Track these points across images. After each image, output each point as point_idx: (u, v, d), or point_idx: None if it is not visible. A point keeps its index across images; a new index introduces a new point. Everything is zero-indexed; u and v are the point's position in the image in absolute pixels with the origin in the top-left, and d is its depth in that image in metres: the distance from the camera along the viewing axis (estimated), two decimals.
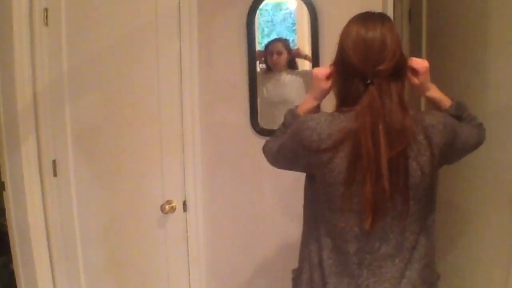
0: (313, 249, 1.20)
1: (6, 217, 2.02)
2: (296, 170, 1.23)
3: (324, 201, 1.14)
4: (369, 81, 1.06)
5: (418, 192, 1.08)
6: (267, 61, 1.76)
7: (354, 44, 1.09)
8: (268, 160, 1.33)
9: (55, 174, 2.03)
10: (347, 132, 1.06)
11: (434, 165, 1.09)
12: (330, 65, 1.18)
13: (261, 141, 1.76)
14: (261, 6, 1.70)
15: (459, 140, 1.15)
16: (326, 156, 1.08)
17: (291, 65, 1.76)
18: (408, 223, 1.10)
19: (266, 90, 1.78)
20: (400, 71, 1.09)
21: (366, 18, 1.12)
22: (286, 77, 1.76)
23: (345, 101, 1.13)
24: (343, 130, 1.07)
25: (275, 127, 1.76)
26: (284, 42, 1.75)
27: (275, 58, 1.74)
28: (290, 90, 1.76)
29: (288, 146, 1.19)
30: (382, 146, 1.02)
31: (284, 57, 1.74)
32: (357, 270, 1.12)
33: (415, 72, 1.18)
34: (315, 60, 1.63)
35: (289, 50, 1.75)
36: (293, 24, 1.74)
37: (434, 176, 1.11)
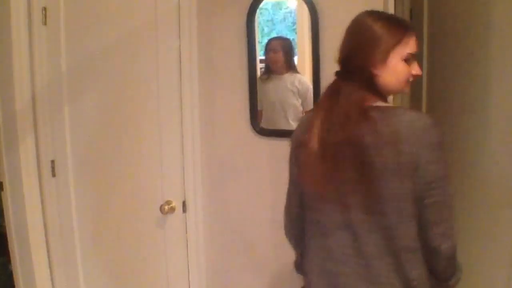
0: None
1: (5, 217, 2.02)
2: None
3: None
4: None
5: (381, 189, 1.04)
6: (266, 61, 1.76)
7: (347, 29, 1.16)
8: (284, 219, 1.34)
9: (53, 174, 2.02)
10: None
11: (402, 166, 1.02)
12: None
13: (261, 141, 1.76)
14: (261, 5, 1.69)
15: (429, 175, 1.03)
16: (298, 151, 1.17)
17: (290, 66, 1.75)
18: (370, 225, 1.07)
19: (266, 91, 1.77)
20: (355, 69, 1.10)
21: (372, 11, 1.15)
22: (286, 80, 1.75)
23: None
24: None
25: (275, 127, 1.77)
26: (282, 41, 1.74)
27: (271, 55, 1.74)
28: (286, 93, 1.75)
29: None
30: (315, 133, 1.10)
31: (280, 55, 1.73)
32: (335, 267, 1.13)
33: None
34: (316, 60, 1.62)
35: (287, 49, 1.74)
36: (293, 23, 1.73)
37: (404, 179, 1.03)
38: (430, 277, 1.13)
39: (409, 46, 1.09)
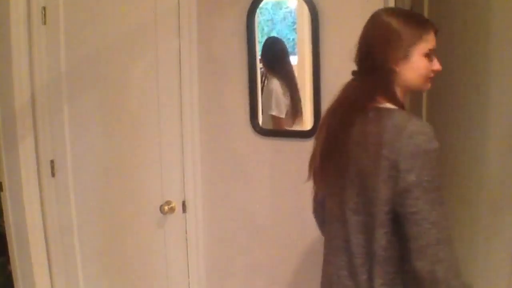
0: None
1: (4, 217, 2.02)
2: None
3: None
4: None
5: (366, 190, 1.04)
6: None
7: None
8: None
9: (53, 174, 2.02)
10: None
11: (382, 171, 1.00)
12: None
13: (261, 141, 1.76)
14: (261, 5, 1.69)
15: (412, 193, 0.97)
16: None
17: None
18: (357, 224, 1.08)
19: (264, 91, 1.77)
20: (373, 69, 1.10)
21: (390, 8, 1.22)
22: (276, 83, 1.75)
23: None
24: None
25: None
26: (277, 42, 1.74)
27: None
28: (276, 95, 1.75)
29: None
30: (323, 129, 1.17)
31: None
32: (332, 257, 1.17)
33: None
34: (316, 60, 1.62)
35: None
36: (294, 23, 1.73)
37: (383, 184, 1.00)
38: None
39: (430, 41, 1.09)
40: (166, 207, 1.81)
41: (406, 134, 0.99)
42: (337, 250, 1.14)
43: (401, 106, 1.10)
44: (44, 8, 1.93)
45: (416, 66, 1.08)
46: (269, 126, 1.75)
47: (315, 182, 1.21)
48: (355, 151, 1.06)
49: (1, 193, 1.99)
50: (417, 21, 1.09)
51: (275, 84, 1.73)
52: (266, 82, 1.76)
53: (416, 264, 0.97)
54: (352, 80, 1.14)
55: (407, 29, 1.07)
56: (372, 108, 1.07)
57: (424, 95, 1.97)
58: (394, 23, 1.07)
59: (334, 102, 1.16)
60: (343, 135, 1.09)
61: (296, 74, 1.73)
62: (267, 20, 1.74)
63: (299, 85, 1.72)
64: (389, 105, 1.08)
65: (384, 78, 1.08)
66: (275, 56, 1.74)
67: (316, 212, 1.34)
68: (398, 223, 1.01)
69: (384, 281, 1.04)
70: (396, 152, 0.98)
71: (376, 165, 1.00)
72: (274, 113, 1.72)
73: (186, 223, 1.85)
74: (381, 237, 1.02)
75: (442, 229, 0.97)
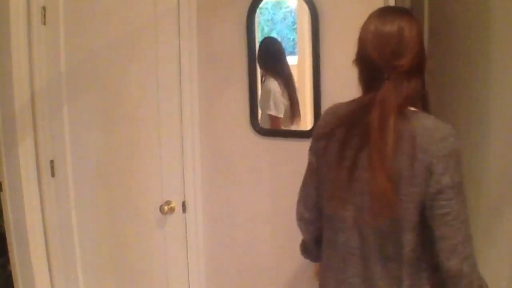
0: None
1: (4, 217, 2.01)
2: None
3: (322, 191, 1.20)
4: (386, 76, 1.05)
5: (392, 194, 1.03)
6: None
7: (372, 38, 1.08)
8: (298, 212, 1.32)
9: (53, 174, 2.01)
10: (342, 118, 1.10)
11: (416, 173, 1.00)
12: (353, 60, 1.15)
13: (261, 141, 1.76)
14: (261, 5, 1.68)
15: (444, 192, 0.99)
16: (323, 143, 1.14)
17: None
18: (384, 227, 1.06)
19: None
20: (418, 67, 1.08)
21: (384, 12, 1.12)
22: (274, 83, 1.74)
23: (366, 93, 1.14)
24: (340, 117, 1.12)
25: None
26: (273, 42, 1.74)
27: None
28: (274, 95, 1.75)
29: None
30: (340, 133, 1.10)
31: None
32: (342, 264, 1.13)
33: None
34: (316, 60, 1.61)
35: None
36: (294, 23, 1.73)
37: (416, 187, 1.01)
38: None
39: None
40: (166, 207, 1.81)
41: (439, 137, 1.00)
42: (351, 259, 1.11)
43: (427, 110, 1.12)
44: (44, 8, 1.92)
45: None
46: (267, 125, 1.75)
47: (332, 189, 1.14)
48: (385, 156, 1.03)
49: (1, 193, 1.99)
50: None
51: (273, 84, 1.73)
52: (264, 82, 1.76)
53: (447, 263, 1.00)
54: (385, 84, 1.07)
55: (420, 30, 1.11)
56: (403, 113, 1.06)
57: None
58: (378, 25, 1.08)
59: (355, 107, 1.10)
60: (380, 141, 1.03)
61: (296, 74, 1.73)
62: (267, 20, 1.73)
63: (299, 85, 1.72)
64: (411, 108, 1.08)
65: (422, 81, 1.08)
66: (272, 56, 1.74)
67: (307, 213, 1.28)
68: (422, 225, 1.03)
69: (412, 282, 1.05)
70: (431, 155, 0.99)
71: (411, 168, 1.00)
72: (272, 112, 1.72)
73: (186, 223, 1.84)
74: (411, 239, 1.03)
75: (469, 227, 1.01)
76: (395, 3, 1.48)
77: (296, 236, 1.72)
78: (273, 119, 1.73)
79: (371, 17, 1.11)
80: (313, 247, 1.34)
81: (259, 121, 1.75)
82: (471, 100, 1.69)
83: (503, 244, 1.56)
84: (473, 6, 1.68)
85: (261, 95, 1.74)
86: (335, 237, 1.15)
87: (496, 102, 1.59)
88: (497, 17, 1.57)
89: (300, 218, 1.30)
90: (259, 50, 1.70)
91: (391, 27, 1.06)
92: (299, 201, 1.30)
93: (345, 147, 1.09)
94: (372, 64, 1.07)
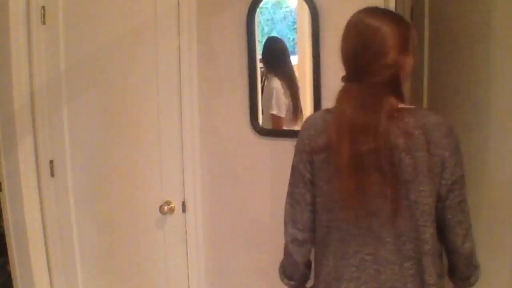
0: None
1: (3, 217, 2.01)
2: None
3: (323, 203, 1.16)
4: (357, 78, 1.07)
5: (412, 192, 1.04)
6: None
7: (348, 30, 1.10)
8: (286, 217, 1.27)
9: (52, 175, 2.01)
10: (342, 127, 1.08)
11: (432, 168, 1.03)
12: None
13: (261, 141, 1.75)
14: (261, 4, 1.68)
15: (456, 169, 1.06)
16: (322, 154, 1.12)
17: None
18: (402, 226, 1.06)
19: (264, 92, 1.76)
20: (393, 70, 1.07)
21: (372, 8, 1.12)
22: (277, 82, 1.74)
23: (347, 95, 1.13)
24: (327, 127, 1.11)
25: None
26: (278, 41, 1.74)
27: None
28: (276, 95, 1.74)
29: (296, 169, 1.20)
30: (344, 143, 1.05)
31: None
32: (356, 272, 1.11)
33: None
34: (316, 59, 1.61)
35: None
36: (294, 22, 1.72)
37: (432, 181, 1.04)
38: (450, 278, 1.16)
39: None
40: (165, 207, 1.81)
41: (445, 131, 1.05)
42: (363, 264, 1.10)
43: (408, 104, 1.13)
44: (43, 8, 1.92)
45: (409, 65, 1.12)
46: (269, 125, 1.74)
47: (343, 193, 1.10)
48: (397, 155, 1.03)
49: (0, 193, 1.99)
50: (403, 20, 1.14)
51: (276, 83, 1.72)
52: (266, 81, 1.76)
53: (463, 246, 1.10)
54: (355, 84, 1.08)
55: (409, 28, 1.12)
56: (399, 110, 1.07)
57: (425, 95, 1.97)
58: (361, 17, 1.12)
59: (346, 109, 1.08)
60: (380, 144, 1.03)
61: (296, 74, 1.73)
62: (267, 20, 1.73)
63: (299, 85, 1.72)
64: (403, 105, 1.09)
65: (394, 80, 1.08)
66: (276, 55, 1.74)
67: (302, 240, 1.21)
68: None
69: (437, 273, 1.10)
70: (443, 149, 1.04)
71: (428, 163, 1.03)
72: (274, 112, 1.72)
73: (186, 223, 1.84)
74: (432, 232, 1.08)
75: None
76: (396, 3, 1.48)
77: None
78: (275, 118, 1.72)
79: (356, 12, 1.13)
80: (304, 269, 1.28)
81: (260, 121, 1.74)
82: (472, 100, 1.69)
83: (503, 244, 1.56)
84: (473, 7, 1.68)
85: (263, 94, 1.74)
86: (345, 246, 1.12)
87: (497, 102, 1.59)
88: (497, 17, 1.57)
89: (293, 240, 1.22)
90: (263, 50, 1.70)
91: (372, 20, 1.08)
92: (288, 222, 1.23)
93: (353, 154, 1.05)
94: (347, 61, 1.11)
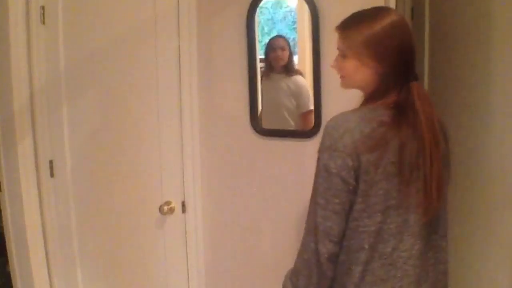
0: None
1: (3, 218, 2.01)
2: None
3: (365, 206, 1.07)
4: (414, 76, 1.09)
5: (441, 186, 1.09)
6: (269, 60, 1.74)
7: (400, 27, 1.10)
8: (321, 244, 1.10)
9: (52, 175, 2.01)
10: (389, 128, 1.04)
11: (447, 157, 1.13)
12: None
13: (261, 141, 1.75)
14: (261, 4, 1.68)
15: None
16: (375, 155, 1.02)
17: (288, 69, 1.73)
18: (430, 226, 1.11)
19: (265, 92, 1.76)
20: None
21: (390, 8, 1.21)
22: (282, 80, 1.73)
23: (373, 96, 1.11)
24: (384, 126, 1.04)
25: (276, 127, 1.75)
26: (286, 39, 1.73)
27: (279, 53, 1.71)
28: (283, 96, 1.73)
29: (330, 183, 1.05)
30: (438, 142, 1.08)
31: (286, 54, 1.71)
32: (393, 271, 1.07)
33: None
34: (316, 59, 1.61)
35: (291, 49, 1.72)
36: (294, 22, 1.72)
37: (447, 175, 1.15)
38: None
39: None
40: (165, 208, 1.81)
41: (444, 125, 1.14)
42: (406, 262, 1.07)
43: None
44: (43, 8, 1.92)
45: None
46: (280, 126, 1.72)
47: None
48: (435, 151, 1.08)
49: (0, 193, 1.98)
50: None
51: (301, 79, 1.70)
52: (266, 81, 1.75)
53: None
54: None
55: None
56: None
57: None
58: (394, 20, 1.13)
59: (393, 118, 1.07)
60: (434, 139, 1.08)
61: None
62: (267, 20, 1.73)
63: None
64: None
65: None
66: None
67: (336, 253, 1.09)
68: None
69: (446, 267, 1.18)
70: (447, 141, 1.14)
71: (447, 155, 1.14)
72: (312, 107, 1.63)
73: (185, 224, 1.84)
74: (446, 225, 1.16)
75: None
76: (396, 3, 1.48)
77: (297, 236, 1.72)
78: (309, 114, 1.65)
79: (373, 18, 1.12)
80: (329, 283, 1.13)
81: (261, 121, 1.74)
82: (472, 100, 1.69)
83: (504, 244, 1.56)
84: (473, 7, 1.68)
85: (279, 95, 1.71)
86: (384, 246, 1.06)
87: (497, 102, 1.59)
88: (497, 17, 1.57)
89: (330, 256, 1.08)
90: (269, 47, 1.71)
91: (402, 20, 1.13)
92: (322, 237, 1.08)
93: (403, 152, 1.04)
94: (405, 63, 1.10)
